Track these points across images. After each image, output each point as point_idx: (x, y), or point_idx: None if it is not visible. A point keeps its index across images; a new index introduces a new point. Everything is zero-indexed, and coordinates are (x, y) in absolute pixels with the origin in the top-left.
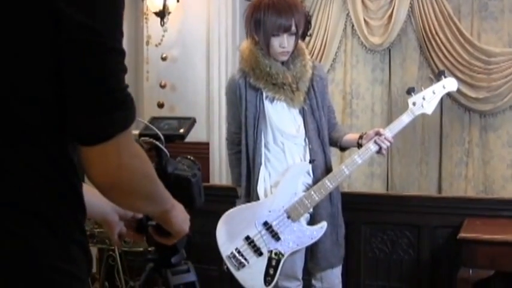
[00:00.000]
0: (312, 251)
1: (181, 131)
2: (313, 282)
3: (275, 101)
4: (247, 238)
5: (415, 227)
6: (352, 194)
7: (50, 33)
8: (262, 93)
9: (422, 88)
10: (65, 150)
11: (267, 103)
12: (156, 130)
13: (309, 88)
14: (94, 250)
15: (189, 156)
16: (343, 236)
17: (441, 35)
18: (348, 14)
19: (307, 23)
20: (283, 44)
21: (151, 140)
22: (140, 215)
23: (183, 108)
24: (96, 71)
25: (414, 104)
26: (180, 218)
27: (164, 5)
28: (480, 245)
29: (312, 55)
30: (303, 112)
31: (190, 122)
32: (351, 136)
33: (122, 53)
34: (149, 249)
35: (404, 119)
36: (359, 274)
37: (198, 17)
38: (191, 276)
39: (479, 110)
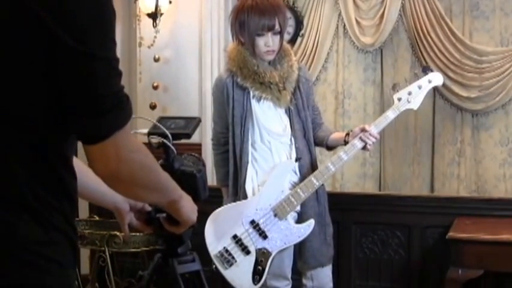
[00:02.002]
0: (300, 250)
1: (188, 129)
2: (304, 281)
3: (262, 100)
4: (235, 237)
5: (405, 227)
6: (342, 194)
7: (40, 46)
8: (249, 93)
9: (408, 84)
10: (57, 147)
11: (254, 102)
12: (164, 129)
13: (295, 89)
14: (86, 251)
15: (193, 153)
16: (331, 235)
17: (433, 35)
18: (339, 14)
19: (299, 23)
20: (268, 43)
21: (159, 138)
22: (149, 208)
23: (176, 109)
24: (89, 79)
25: (399, 99)
26: (188, 208)
27: (156, 7)
28: (469, 244)
29: (304, 55)
30: (289, 112)
31: (196, 122)
32: (338, 135)
33: (114, 60)
34: (140, 249)
35: (390, 114)
36: (350, 274)
37: (190, 18)
38: (196, 266)
39: (471, 110)
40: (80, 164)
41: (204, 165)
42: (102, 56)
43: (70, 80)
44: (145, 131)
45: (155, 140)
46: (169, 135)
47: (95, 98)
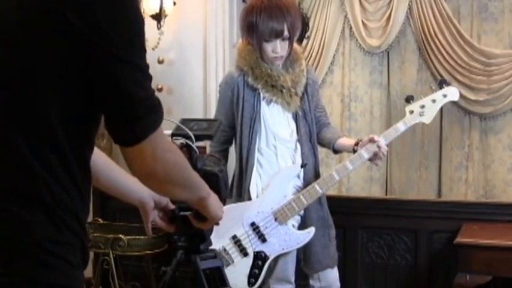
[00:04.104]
0: (305, 255)
1: (210, 131)
2: (311, 282)
3: (271, 104)
4: (234, 237)
5: (412, 231)
6: (349, 198)
7: (71, 50)
8: (259, 94)
9: (422, 97)
10: (76, 149)
11: (263, 105)
12: (187, 130)
13: (303, 93)
14: (90, 254)
15: (214, 154)
16: (334, 236)
17: (440, 37)
18: (345, 16)
19: (305, 25)
20: (276, 49)
21: (183, 139)
22: (172, 206)
23: (180, 111)
24: (125, 85)
25: (411, 112)
26: (215, 205)
27: (161, 8)
28: (477, 250)
29: (310, 57)
30: (296, 116)
31: (218, 124)
32: (347, 141)
33: (146, 66)
34: (145, 253)
35: (400, 127)
36: (356, 279)
37: (194, 19)
38: (217, 262)
39: (479, 113)
40: (107, 159)
41: (224, 165)
42: (137, 64)
43: (107, 86)
44: (169, 132)
45: (178, 141)
46: (193, 137)
47: (131, 103)
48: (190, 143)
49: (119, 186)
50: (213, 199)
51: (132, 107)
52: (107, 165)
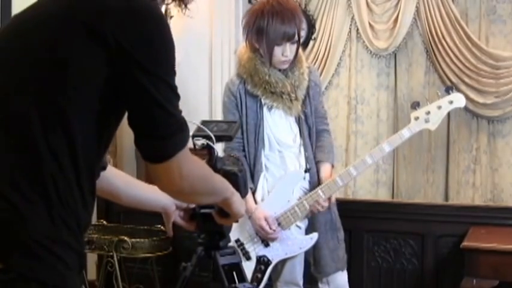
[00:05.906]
0: (314, 258)
1: (230, 132)
2: (320, 286)
3: (273, 109)
4: (238, 241)
5: (419, 235)
6: (355, 202)
7: (105, 67)
8: (261, 100)
9: (428, 103)
10: (89, 161)
11: (265, 111)
12: (208, 131)
13: (305, 95)
14: (93, 256)
15: (232, 154)
16: (343, 238)
17: (448, 39)
18: (352, 18)
19: (312, 26)
20: (285, 52)
21: (204, 140)
22: (192, 205)
23: (185, 113)
24: (158, 104)
25: (416, 118)
26: (238, 202)
27: (166, 10)
28: (484, 254)
29: (316, 59)
30: (298, 120)
31: (237, 125)
32: (320, 172)
33: (175, 87)
34: (149, 255)
35: (405, 133)
36: (362, 284)
37: (200, 21)
38: (236, 258)
39: (487, 116)
40: (125, 177)
41: (243, 165)
42: (166, 81)
43: (138, 101)
44: (190, 133)
45: (199, 142)
46: (213, 137)
47: (161, 120)
48: (211, 144)
49: (140, 201)
50: (236, 197)
51: (162, 124)
52: (126, 184)
